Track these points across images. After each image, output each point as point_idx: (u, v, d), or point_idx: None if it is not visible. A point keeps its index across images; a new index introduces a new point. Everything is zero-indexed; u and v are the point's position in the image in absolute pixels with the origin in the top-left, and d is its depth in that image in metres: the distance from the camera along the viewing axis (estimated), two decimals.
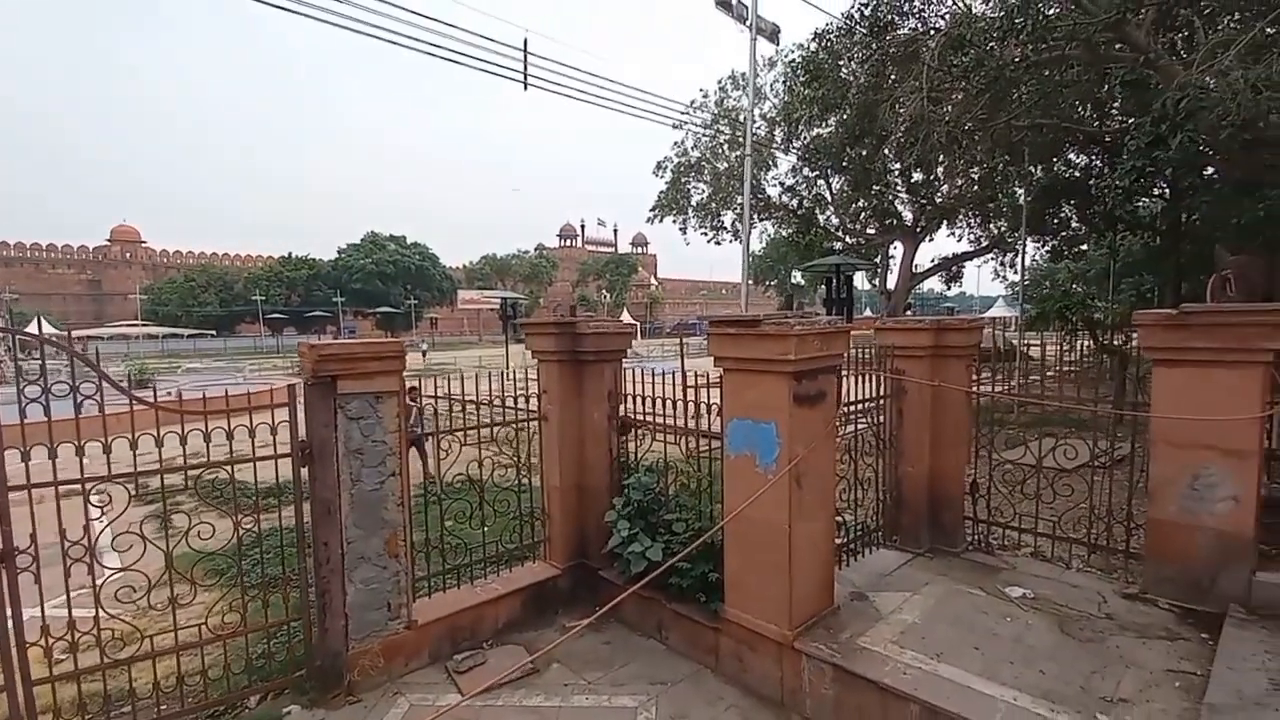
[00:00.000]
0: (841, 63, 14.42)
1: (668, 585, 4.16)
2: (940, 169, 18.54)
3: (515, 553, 4.99)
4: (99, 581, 3.25)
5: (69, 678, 3.33)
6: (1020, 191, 17.58)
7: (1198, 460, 3.77)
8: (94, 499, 3.29)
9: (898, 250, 25.08)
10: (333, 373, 3.70)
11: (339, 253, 65.55)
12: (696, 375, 5.01)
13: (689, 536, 4.31)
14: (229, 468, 3.69)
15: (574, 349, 4.84)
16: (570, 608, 4.86)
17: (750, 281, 18.58)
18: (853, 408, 4.63)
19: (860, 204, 22.85)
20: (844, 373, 4.22)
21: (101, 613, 3.28)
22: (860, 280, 33.53)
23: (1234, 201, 9.07)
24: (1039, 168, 15.58)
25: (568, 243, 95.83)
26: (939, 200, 21.74)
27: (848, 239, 25.13)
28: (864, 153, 17.47)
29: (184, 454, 3.54)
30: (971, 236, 24.72)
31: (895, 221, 23.29)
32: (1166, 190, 12.46)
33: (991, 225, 23.37)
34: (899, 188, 21.29)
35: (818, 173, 22.38)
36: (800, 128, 19.90)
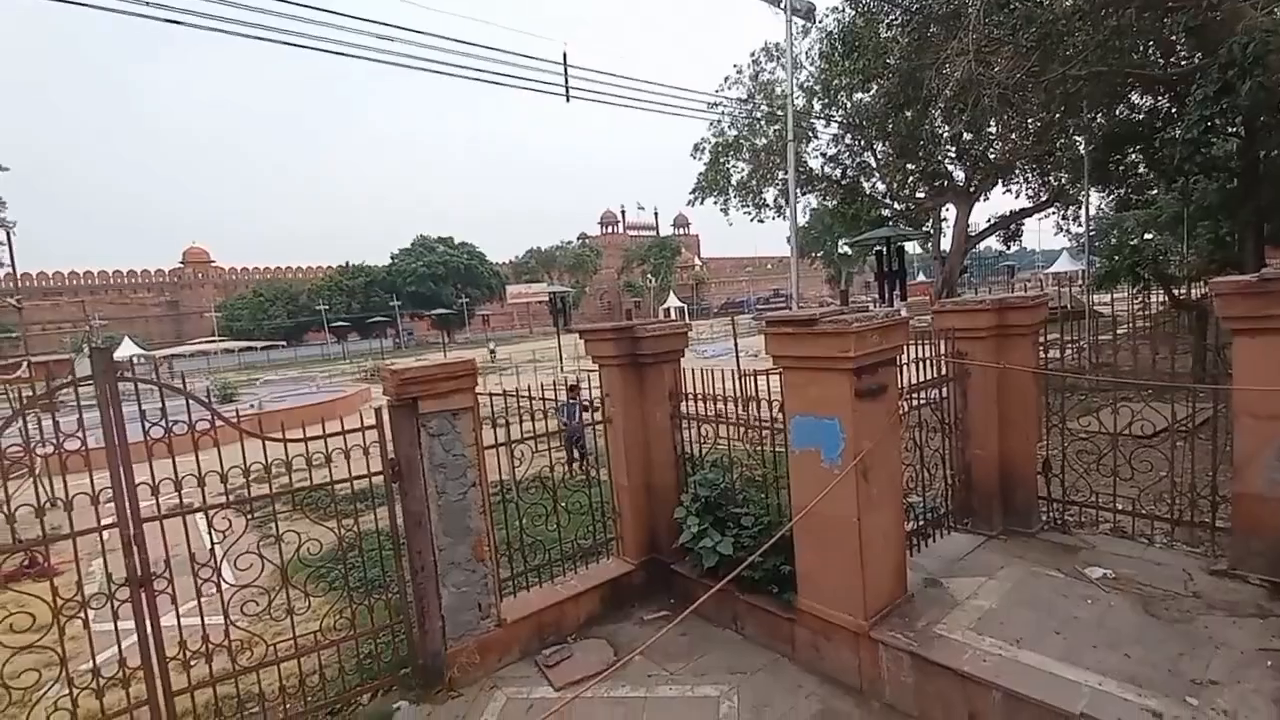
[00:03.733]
0: (881, 27, 13.93)
1: (739, 577, 4.28)
2: (993, 128, 17.73)
3: (589, 550, 5.22)
4: (223, 597, 3.61)
5: (205, 684, 3.72)
6: (1080, 141, 16.67)
7: None
8: (218, 522, 3.66)
9: (950, 213, 24.16)
10: (414, 394, 3.96)
11: (392, 258, 67.68)
12: (752, 365, 5.06)
13: (758, 530, 4.44)
14: (331, 487, 3.99)
15: (633, 352, 4.98)
16: (645, 601, 5.06)
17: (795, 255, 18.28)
18: (915, 393, 4.61)
19: (909, 168, 22.09)
20: (903, 357, 4.22)
21: (229, 624, 3.66)
22: (911, 245, 32.47)
23: None
24: (1099, 115, 14.73)
25: (609, 230, 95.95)
26: (992, 158, 20.80)
27: (896, 205, 24.34)
28: (909, 116, 16.89)
29: (289, 472, 3.85)
30: (1029, 192, 23.55)
31: (946, 183, 22.40)
32: (1241, 129, 11.61)
33: (1051, 179, 22.23)
34: (949, 149, 20.48)
35: (861, 141, 21.71)
36: (840, 96, 19.35)
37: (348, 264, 68.10)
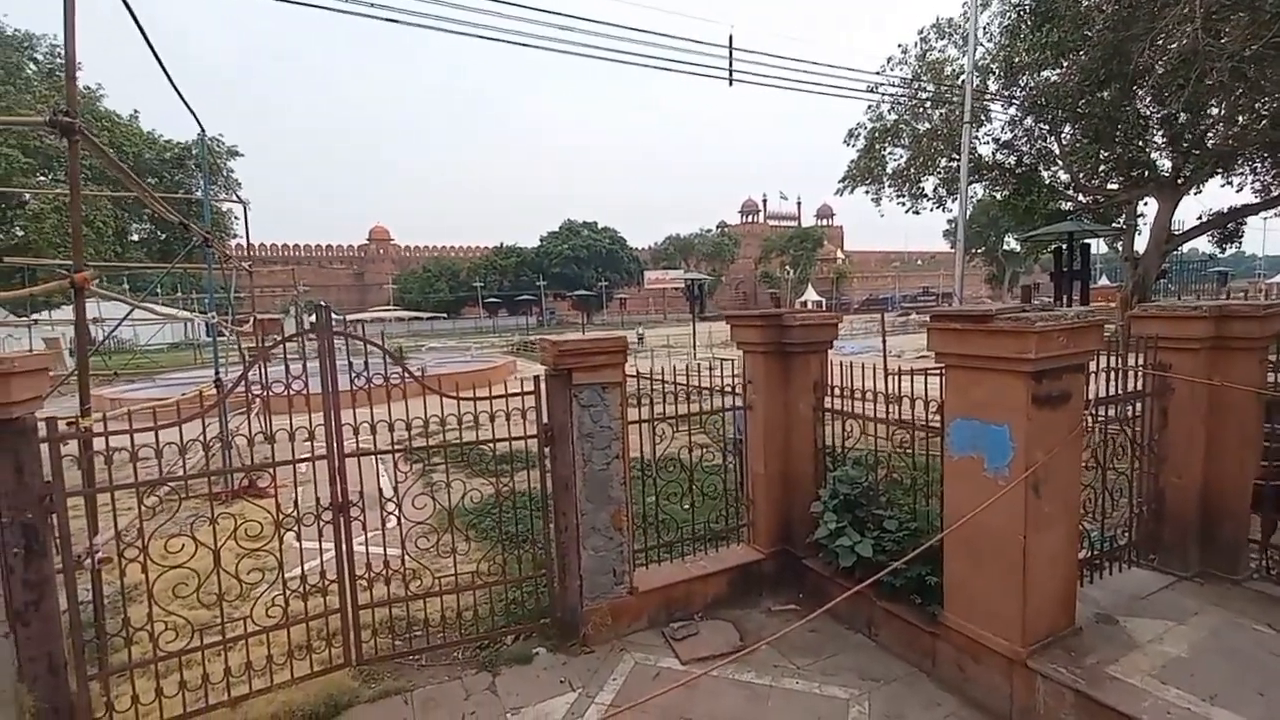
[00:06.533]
0: None
1: (878, 581, 4.12)
2: (1216, 109, 15.08)
3: (720, 534, 5.27)
4: (401, 530, 4.10)
5: (382, 604, 4.26)
6: None
7: None
8: (400, 464, 4.16)
9: (1148, 207, 20.95)
10: (569, 365, 4.21)
11: (540, 240, 71.74)
12: (897, 364, 4.81)
13: (902, 535, 4.23)
14: (493, 445, 4.38)
15: (780, 340, 4.92)
16: (774, 591, 5.03)
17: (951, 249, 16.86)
18: (1102, 407, 4.13)
19: (1102, 155, 19.38)
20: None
21: (405, 554, 4.16)
22: (1094, 243, 28.61)
23: None
24: None
25: (749, 219, 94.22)
26: (1211, 144, 17.68)
27: (1081, 197, 21.51)
28: (1106, 96, 14.83)
29: (459, 428, 4.26)
30: (1257, 185, 19.77)
31: (1147, 173, 19.41)
32: None
33: None
34: (1155, 133, 17.70)
35: (1045, 124, 19.40)
36: (1022, 75, 17.42)
37: (501, 244, 73.13)
